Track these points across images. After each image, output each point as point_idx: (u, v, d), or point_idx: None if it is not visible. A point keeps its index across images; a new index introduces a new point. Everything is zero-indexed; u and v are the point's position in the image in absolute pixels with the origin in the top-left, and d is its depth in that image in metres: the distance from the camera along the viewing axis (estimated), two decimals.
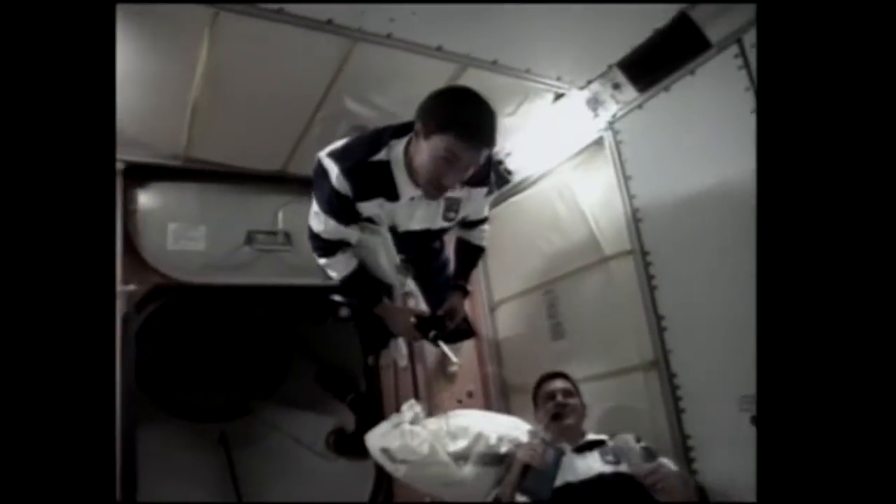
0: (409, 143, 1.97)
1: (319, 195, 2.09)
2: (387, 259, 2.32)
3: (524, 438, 2.48)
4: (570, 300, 3.00)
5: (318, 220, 2.16)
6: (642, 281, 2.57)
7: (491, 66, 2.51)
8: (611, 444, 2.27)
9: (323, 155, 2.04)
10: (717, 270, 2.29)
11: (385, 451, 2.42)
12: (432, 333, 2.43)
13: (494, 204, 3.42)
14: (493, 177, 2.31)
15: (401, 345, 3.00)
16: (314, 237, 2.23)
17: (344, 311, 2.87)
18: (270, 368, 4.47)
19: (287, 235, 3.25)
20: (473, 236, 2.49)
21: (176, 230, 3.06)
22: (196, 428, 4.07)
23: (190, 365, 4.22)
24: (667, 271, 2.51)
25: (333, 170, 1.98)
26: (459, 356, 2.97)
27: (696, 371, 2.39)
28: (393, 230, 2.21)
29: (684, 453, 2.38)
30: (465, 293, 2.57)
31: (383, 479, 3.51)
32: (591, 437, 2.38)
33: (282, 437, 4.10)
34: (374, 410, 3.52)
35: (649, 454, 2.17)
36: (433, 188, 1.93)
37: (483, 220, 2.46)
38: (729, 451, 2.25)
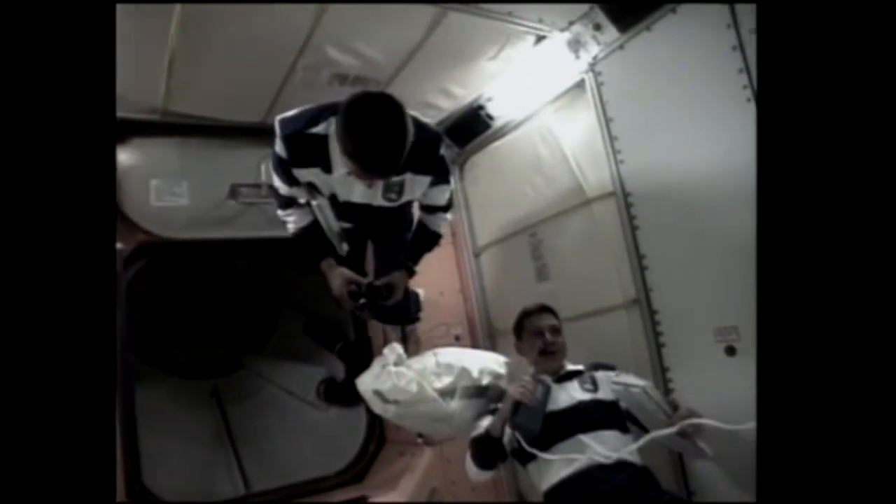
0: None
1: (272, 154, 2.26)
2: (326, 223, 2.46)
3: (501, 370, 2.60)
4: (554, 242, 3.06)
5: (273, 176, 2.35)
6: (624, 222, 2.63)
7: (473, 9, 2.48)
8: (611, 383, 2.35)
9: (277, 118, 2.16)
10: (697, 209, 2.35)
11: (377, 392, 2.50)
12: (361, 301, 2.49)
13: (476, 150, 3.46)
14: (446, 167, 2.35)
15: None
16: (273, 190, 2.43)
17: None
18: (260, 322, 4.51)
19: (271, 187, 3.21)
20: (432, 222, 2.55)
21: (158, 186, 3.04)
22: (188, 384, 4.12)
23: (179, 322, 4.25)
24: (648, 212, 2.56)
25: (278, 134, 2.14)
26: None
27: (675, 307, 2.48)
28: (335, 198, 2.31)
29: (664, 385, 2.50)
30: (410, 273, 2.61)
31: (375, 424, 3.61)
32: (569, 367, 2.48)
33: (274, 390, 4.17)
34: (362, 358, 3.60)
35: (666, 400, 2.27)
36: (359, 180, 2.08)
37: (444, 209, 2.51)
38: (705, 381, 2.36)
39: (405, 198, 2.33)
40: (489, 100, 3.24)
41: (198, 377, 4.19)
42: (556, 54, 2.82)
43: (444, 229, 2.63)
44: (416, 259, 2.61)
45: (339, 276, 2.47)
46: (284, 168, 2.22)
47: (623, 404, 2.30)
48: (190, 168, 3.11)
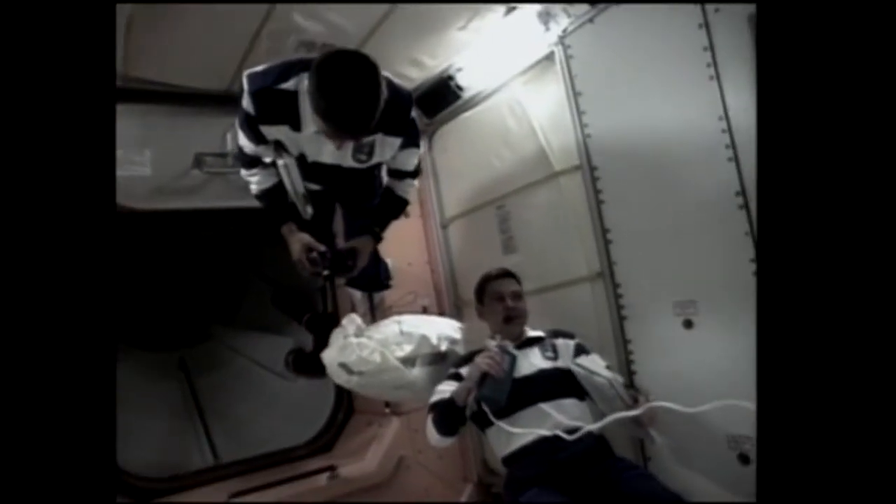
0: None
1: (239, 110, 2.20)
2: (291, 185, 2.41)
3: (457, 335, 2.68)
4: (521, 215, 3.08)
5: (238, 134, 2.29)
6: (590, 196, 2.65)
7: None
8: (574, 364, 2.40)
9: (245, 73, 2.11)
10: (659, 185, 2.38)
11: (343, 365, 2.53)
12: (325, 272, 2.47)
13: (445, 121, 3.44)
14: (416, 129, 2.36)
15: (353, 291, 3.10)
16: (238, 149, 2.37)
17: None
18: (228, 292, 4.47)
19: (238, 150, 3.15)
20: (399, 187, 2.53)
21: (120, 155, 2.92)
22: (155, 356, 4.09)
23: (144, 293, 4.19)
24: (613, 186, 2.59)
25: (246, 89, 2.09)
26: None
27: (637, 281, 2.53)
28: (303, 159, 2.27)
29: (626, 356, 2.56)
30: (377, 239, 2.59)
31: (343, 395, 3.63)
32: (530, 333, 2.53)
33: (243, 361, 4.16)
34: (330, 329, 3.60)
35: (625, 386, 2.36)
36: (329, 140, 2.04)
37: (412, 174, 2.50)
38: (664, 352, 2.43)
39: (375, 159, 2.31)
40: (459, 70, 3.20)
41: (165, 349, 4.15)
42: (526, 26, 2.79)
43: (411, 196, 2.61)
44: (383, 225, 2.59)
45: (298, 241, 2.44)
46: (251, 125, 2.17)
47: (583, 384, 2.35)
48: (152, 136, 3.01)
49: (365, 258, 2.54)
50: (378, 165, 2.46)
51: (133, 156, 2.97)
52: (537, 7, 2.71)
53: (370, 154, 2.27)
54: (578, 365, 2.35)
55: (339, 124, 1.91)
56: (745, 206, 2.10)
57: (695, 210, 2.25)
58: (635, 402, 2.17)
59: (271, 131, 2.18)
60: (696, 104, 2.19)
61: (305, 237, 2.44)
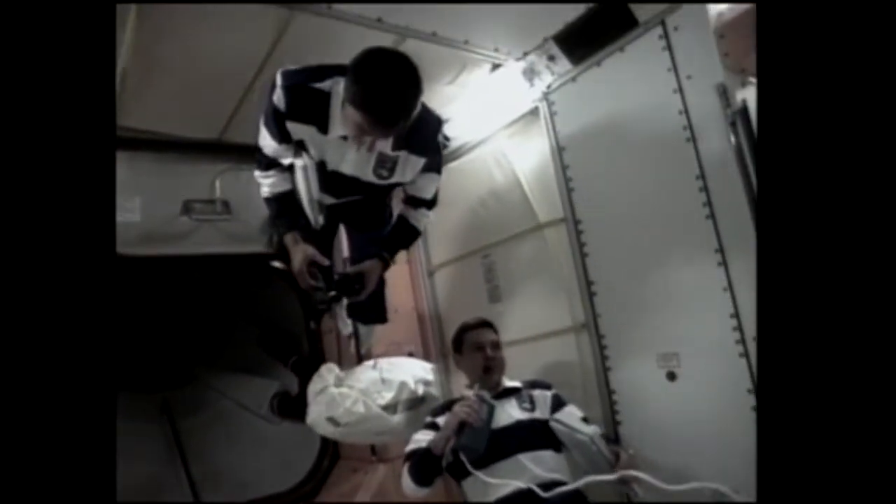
0: None
1: (264, 107, 2.18)
2: (306, 190, 2.39)
3: (430, 377, 2.72)
4: (506, 265, 3.12)
5: (261, 133, 2.25)
6: (574, 248, 2.70)
7: (430, 37, 2.53)
8: (554, 421, 2.41)
9: (280, 70, 2.11)
10: (643, 238, 2.45)
11: (330, 419, 2.55)
12: (332, 293, 2.39)
13: None
14: (440, 154, 2.35)
15: (344, 315, 3.06)
16: (258, 149, 2.32)
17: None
18: (213, 334, 4.45)
19: (225, 204, 3.19)
20: (413, 216, 2.49)
21: None
22: (137, 398, 4.04)
23: (131, 336, 4.16)
24: (597, 239, 2.65)
25: (279, 84, 2.07)
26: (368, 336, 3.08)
27: (621, 332, 2.57)
28: (323, 167, 2.25)
29: (610, 407, 2.59)
30: (385, 265, 2.51)
31: (329, 440, 3.61)
32: (507, 384, 2.55)
33: (227, 403, 4.12)
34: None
35: (608, 440, 2.37)
36: (356, 137, 2.02)
37: (427, 203, 2.46)
38: (648, 404, 2.46)
39: (395, 177, 2.26)
40: (446, 122, 3.27)
41: (148, 391, 4.11)
42: (512, 82, 2.89)
43: (423, 227, 2.57)
44: (393, 252, 2.53)
45: (301, 252, 2.33)
46: (278, 121, 2.13)
47: (563, 440, 2.37)
48: (142, 183, 3.03)
49: (373, 283, 2.45)
50: (392, 191, 2.45)
51: (123, 202, 2.98)
52: (522, 64, 2.80)
53: (392, 171, 2.22)
54: (558, 421, 2.37)
55: (376, 112, 1.84)
56: (724, 263, 2.16)
57: (676, 265, 2.32)
58: (617, 458, 2.18)
59: (297, 129, 2.14)
60: (674, 164, 2.27)
61: (310, 249, 2.35)
